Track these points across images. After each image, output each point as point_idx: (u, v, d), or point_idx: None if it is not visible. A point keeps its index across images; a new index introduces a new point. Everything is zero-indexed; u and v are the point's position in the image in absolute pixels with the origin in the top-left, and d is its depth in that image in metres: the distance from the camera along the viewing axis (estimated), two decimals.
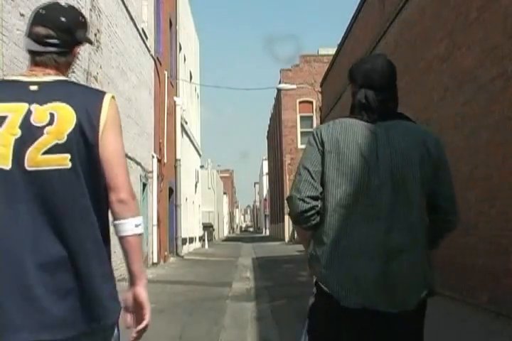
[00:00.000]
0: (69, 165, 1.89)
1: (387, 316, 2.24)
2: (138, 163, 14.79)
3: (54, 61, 2.05)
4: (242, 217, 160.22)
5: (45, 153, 1.88)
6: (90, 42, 2.31)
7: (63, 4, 2.13)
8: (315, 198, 2.34)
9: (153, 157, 17.10)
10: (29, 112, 1.92)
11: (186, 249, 23.88)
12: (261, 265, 17.72)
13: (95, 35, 10.89)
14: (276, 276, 13.51)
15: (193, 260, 19.79)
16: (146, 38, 16.20)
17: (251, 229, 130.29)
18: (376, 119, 2.44)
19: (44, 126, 1.90)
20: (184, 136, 24.66)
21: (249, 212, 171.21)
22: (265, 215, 78.67)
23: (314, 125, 37.32)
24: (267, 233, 69.28)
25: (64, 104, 1.94)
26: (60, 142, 1.89)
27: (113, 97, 2.05)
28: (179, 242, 21.15)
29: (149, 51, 16.76)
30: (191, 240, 27.30)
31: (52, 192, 1.88)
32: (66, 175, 1.89)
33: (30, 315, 1.79)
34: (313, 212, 2.34)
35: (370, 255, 2.25)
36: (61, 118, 1.91)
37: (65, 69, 2.12)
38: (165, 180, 19.06)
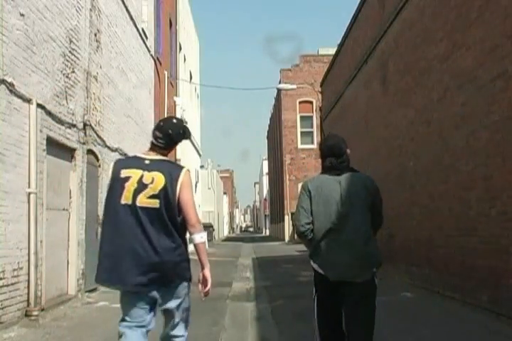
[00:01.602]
0: (158, 205, 3.68)
1: (357, 285, 4.08)
2: None
3: (159, 151, 3.88)
4: (242, 217, 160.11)
5: (148, 197, 3.68)
6: (186, 139, 4.03)
7: (174, 120, 3.99)
8: (308, 223, 4.19)
9: None
10: (142, 175, 3.73)
11: None
12: (261, 265, 17.72)
13: (95, 35, 10.89)
14: (276, 276, 13.51)
15: (193, 260, 19.74)
16: (146, 37, 16.20)
17: (251, 229, 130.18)
18: (338, 174, 4.22)
19: (148, 184, 3.70)
20: None
21: (249, 212, 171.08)
22: (265, 215, 78.64)
23: (314, 125, 37.37)
24: (267, 233, 69.27)
25: (159, 173, 3.73)
26: (154, 193, 3.69)
27: (188, 170, 3.86)
28: None
29: (149, 51, 16.75)
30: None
31: (149, 217, 3.67)
32: (156, 211, 3.68)
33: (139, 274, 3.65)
34: (308, 231, 4.20)
35: (343, 252, 4.05)
36: (157, 181, 3.71)
37: (165, 155, 3.91)
38: None
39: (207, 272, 3.90)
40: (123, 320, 3.77)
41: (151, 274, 3.63)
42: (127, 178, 3.72)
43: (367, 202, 4.15)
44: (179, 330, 3.97)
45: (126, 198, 3.70)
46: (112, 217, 3.73)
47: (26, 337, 6.59)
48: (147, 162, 3.79)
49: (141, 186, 3.69)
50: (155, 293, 3.72)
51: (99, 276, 3.74)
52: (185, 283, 3.85)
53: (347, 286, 4.04)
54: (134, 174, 3.73)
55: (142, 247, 3.62)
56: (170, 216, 3.68)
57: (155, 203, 3.67)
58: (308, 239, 4.19)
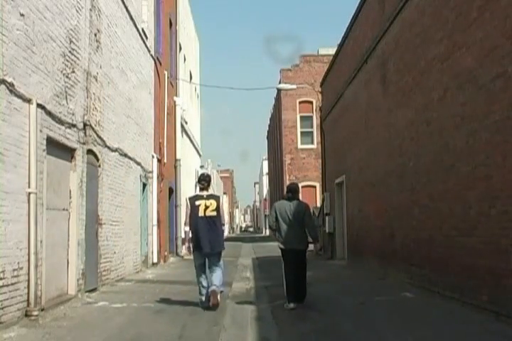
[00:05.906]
0: (215, 214, 8.81)
1: (299, 251, 8.83)
2: (138, 163, 14.78)
3: (206, 188, 9.02)
4: (242, 217, 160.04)
5: (211, 211, 8.77)
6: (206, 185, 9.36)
7: (205, 174, 9.69)
8: (274, 222, 8.98)
9: (153, 157, 17.09)
10: (205, 202, 8.81)
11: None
12: (261, 265, 17.71)
13: (95, 35, 10.89)
14: (276, 276, 13.45)
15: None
16: (146, 38, 16.19)
17: (251, 229, 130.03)
18: (290, 201, 8.96)
19: (209, 206, 8.79)
20: (184, 136, 24.65)
21: (249, 212, 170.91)
22: (265, 215, 78.54)
23: (314, 125, 37.33)
24: (267, 233, 69.22)
25: (214, 200, 8.87)
26: (213, 209, 8.80)
27: (221, 197, 9.57)
28: (179, 242, 21.13)
29: (149, 51, 16.75)
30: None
31: (212, 221, 8.77)
32: (214, 217, 8.81)
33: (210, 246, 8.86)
34: (274, 225, 9.02)
35: (292, 236, 8.79)
36: (213, 204, 8.82)
37: (208, 190, 9.06)
38: (165, 180, 19.06)
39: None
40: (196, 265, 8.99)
41: (212, 246, 8.62)
42: (200, 204, 8.64)
43: (300, 216, 8.70)
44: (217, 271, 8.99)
45: (201, 213, 8.59)
46: (196, 222, 8.59)
47: (26, 337, 6.59)
48: (205, 196, 8.77)
49: (206, 207, 8.61)
50: (210, 254, 8.73)
51: (196, 247, 8.71)
52: (221, 253, 8.84)
53: (296, 251, 8.69)
54: (202, 202, 8.66)
55: (209, 235, 8.57)
56: (219, 219, 8.74)
57: (214, 214, 8.65)
58: (274, 229, 8.95)
